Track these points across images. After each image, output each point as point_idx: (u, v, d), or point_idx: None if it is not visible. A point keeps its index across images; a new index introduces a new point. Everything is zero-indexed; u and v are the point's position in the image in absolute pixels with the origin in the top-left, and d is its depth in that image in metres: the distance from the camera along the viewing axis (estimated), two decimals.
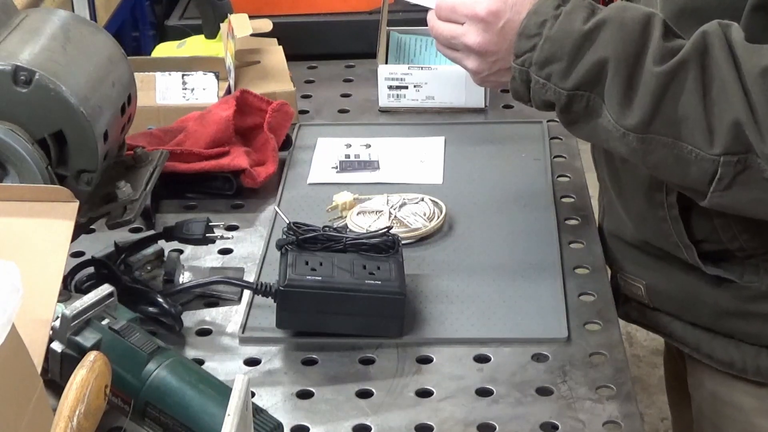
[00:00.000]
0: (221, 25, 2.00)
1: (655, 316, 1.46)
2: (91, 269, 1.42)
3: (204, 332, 1.38)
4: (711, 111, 1.18)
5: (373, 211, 1.55)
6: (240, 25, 1.94)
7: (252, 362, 1.33)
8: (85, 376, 1.03)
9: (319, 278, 1.33)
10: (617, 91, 1.22)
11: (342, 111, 1.94)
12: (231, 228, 1.58)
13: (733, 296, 1.36)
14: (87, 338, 1.15)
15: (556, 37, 1.25)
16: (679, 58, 1.19)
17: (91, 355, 1.06)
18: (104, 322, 1.16)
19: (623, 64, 1.21)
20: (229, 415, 0.98)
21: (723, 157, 1.18)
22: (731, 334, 1.38)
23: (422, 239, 1.53)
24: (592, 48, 1.23)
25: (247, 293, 1.42)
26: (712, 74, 1.18)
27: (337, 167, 1.71)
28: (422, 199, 1.58)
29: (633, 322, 1.51)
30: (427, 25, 1.43)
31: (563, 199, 1.64)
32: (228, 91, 1.87)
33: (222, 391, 1.12)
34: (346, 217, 1.56)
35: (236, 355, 1.34)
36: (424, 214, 1.55)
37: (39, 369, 1.05)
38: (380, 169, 1.71)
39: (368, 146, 1.76)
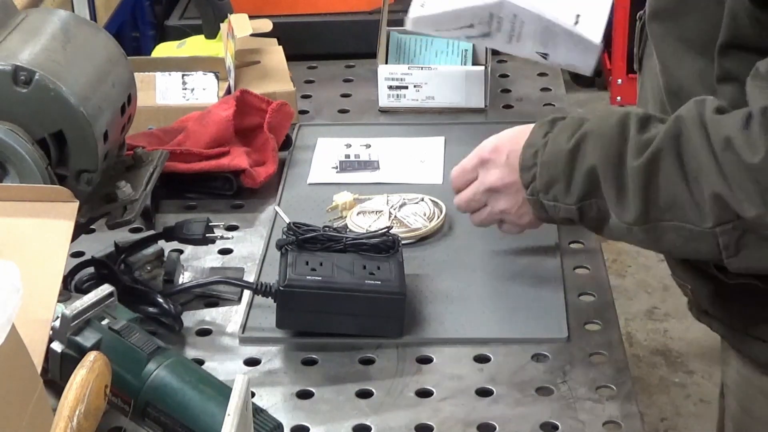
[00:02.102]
0: (221, 25, 2.00)
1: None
2: (91, 269, 1.42)
3: (204, 332, 1.38)
4: (693, 188, 1.22)
5: (373, 211, 1.55)
6: (240, 25, 1.94)
7: (252, 362, 1.33)
8: (85, 376, 1.03)
9: (319, 278, 1.33)
10: (611, 193, 1.28)
11: (342, 111, 1.94)
12: (231, 228, 1.58)
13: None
14: (87, 338, 1.15)
15: (548, 162, 1.32)
16: (653, 147, 1.24)
17: (91, 355, 1.06)
18: (104, 322, 1.16)
19: (609, 167, 1.27)
20: (229, 415, 0.98)
21: (718, 228, 1.22)
22: (762, 338, 1.39)
23: (422, 239, 1.53)
24: (581, 161, 1.29)
25: (247, 293, 1.42)
26: (688, 154, 1.22)
27: (337, 167, 1.71)
28: (422, 199, 1.58)
29: (697, 319, 1.51)
30: None
31: None
32: (228, 91, 1.87)
33: (222, 391, 1.12)
34: (346, 217, 1.56)
35: (236, 355, 1.34)
36: (424, 214, 1.55)
37: (39, 369, 1.05)
38: (380, 169, 1.71)
39: (368, 146, 1.76)
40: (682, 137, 1.23)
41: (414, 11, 1.75)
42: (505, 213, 1.42)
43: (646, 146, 1.25)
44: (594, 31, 1.62)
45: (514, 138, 1.39)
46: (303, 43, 2.15)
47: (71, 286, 1.39)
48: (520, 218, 1.41)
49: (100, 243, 1.47)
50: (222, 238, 1.48)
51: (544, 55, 1.69)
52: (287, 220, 1.40)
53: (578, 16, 1.64)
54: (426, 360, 1.32)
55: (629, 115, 1.29)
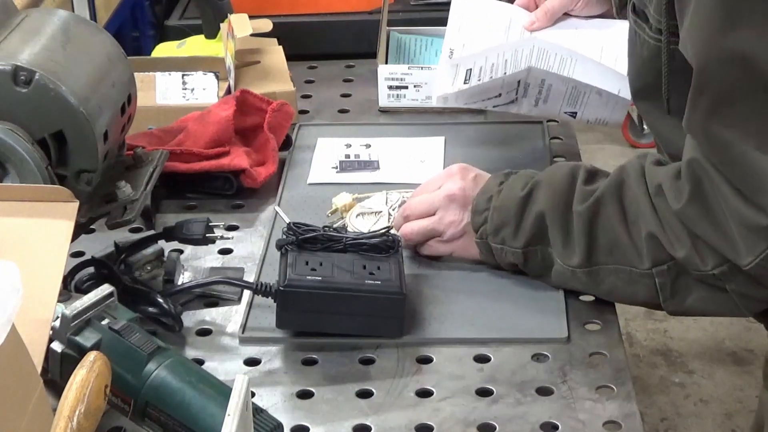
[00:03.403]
0: (221, 25, 2.00)
1: None
2: (91, 269, 1.42)
3: (204, 332, 1.38)
4: (632, 231, 1.33)
5: (372, 213, 1.55)
6: (240, 25, 1.94)
7: (252, 362, 1.33)
8: (85, 376, 1.03)
9: (319, 278, 1.33)
10: (557, 238, 1.37)
11: (342, 111, 1.94)
12: (231, 228, 1.58)
13: None
14: (87, 338, 1.15)
15: (501, 206, 1.41)
16: (598, 193, 1.35)
17: (91, 355, 1.06)
18: (104, 322, 1.16)
19: (557, 213, 1.37)
20: (229, 415, 0.98)
21: (654, 268, 1.32)
22: None
23: None
24: (531, 207, 1.39)
25: (247, 293, 1.42)
26: (629, 200, 1.33)
27: (337, 167, 1.71)
28: None
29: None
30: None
31: None
32: (228, 91, 1.87)
33: (222, 391, 1.12)
34: (346, 218, 1.55)
35: (236, 355, 1.34)
36: None
37: (39, 369, 1.05)
38: (380, 169, 1.71)
39: (368, 146, 1.76)
40: (624, 185, 1.34)
41: (440, 89, 1.69)
42: (449, 227, 1.44)
43: (591, 194, 1.35)
44: (623, 85, 1.59)
45: (480, 172, 1.47)
46: (303, 43, 2.15)
47: (71, 286, 1.39)
48: (459, 238, 1.44)
49: (100, 243, 1.47)
50: (222, 238, 1.48)
51: (572, 114, 1.71)
52: (287, 220, 1.40)
53: (602, 48, 1.63)
54: (426, 360, 1.32)
55: (578, 168, 1.40)
